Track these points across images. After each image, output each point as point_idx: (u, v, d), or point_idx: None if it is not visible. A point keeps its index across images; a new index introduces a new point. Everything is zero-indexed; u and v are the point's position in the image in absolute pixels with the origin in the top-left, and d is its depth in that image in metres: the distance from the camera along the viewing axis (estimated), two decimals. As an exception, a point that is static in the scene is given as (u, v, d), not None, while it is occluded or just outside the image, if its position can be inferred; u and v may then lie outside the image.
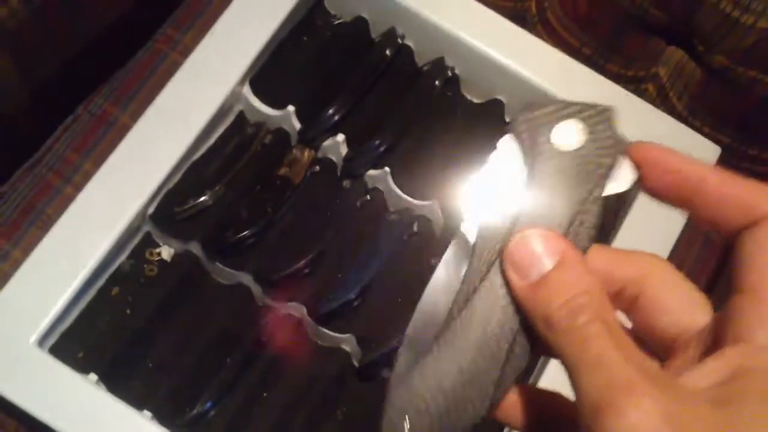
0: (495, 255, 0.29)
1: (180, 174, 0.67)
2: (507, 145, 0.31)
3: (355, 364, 0.65)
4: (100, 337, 0.62)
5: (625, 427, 0.23)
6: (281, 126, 0.70)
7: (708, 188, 0.29)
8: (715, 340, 0.27)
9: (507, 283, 0.29)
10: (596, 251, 0.30)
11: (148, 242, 0.67)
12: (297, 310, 0.64)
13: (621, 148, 0.30)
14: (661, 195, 0.30)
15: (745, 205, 0.28)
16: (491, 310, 0.29)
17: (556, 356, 0.27)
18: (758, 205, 0.28)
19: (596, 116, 0.31)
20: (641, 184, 0.30)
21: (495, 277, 0.29)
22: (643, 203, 0.65)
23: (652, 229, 0.64)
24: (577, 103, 0.31)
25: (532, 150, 0.30)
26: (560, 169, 0.30)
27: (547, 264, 0.28)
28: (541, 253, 0.28)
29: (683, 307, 0.29)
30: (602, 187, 0.30)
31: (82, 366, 0.59)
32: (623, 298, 0.30)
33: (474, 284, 0.29)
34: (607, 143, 0.30)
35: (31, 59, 0.70)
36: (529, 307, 0.28)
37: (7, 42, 0.66)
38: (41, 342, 0.59)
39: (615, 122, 0.31)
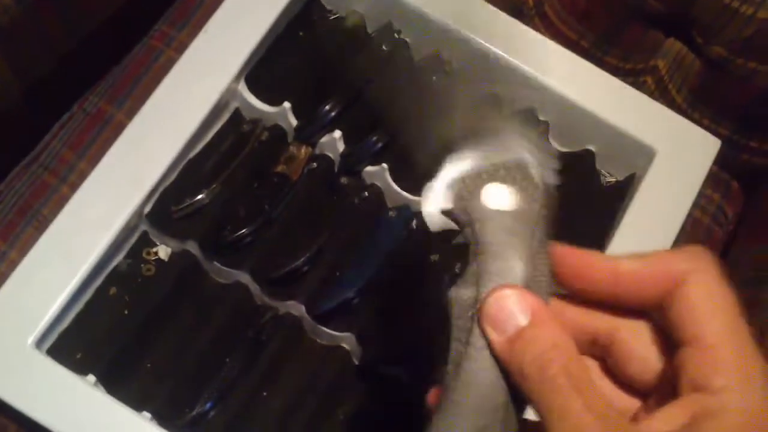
0: (470, 322, 0.31)
1: (176, 172, 0.66)
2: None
3: (356, 362, 0.65)
4: (98, 337, 0.62)
5: None
6: (278, 123, 0.70)
7: (624, 276, 0.31)
8: (671, 388, 0.30)
9: (487, 342, 0.31)
10: (570, 304, 0.33)
11: (145, 242, 0.66)
12: (296, 308, 0.64)
13: (543, 188, 0.33)
14: (587, 294, 0.32)
15: (659, 275, 0.30)
16: (479, 372, 0.31)
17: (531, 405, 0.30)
18: (673, 270, 0.30)
19: (517, 172, 0.33)
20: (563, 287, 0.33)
21: (475, 341, 0.31)
22: (641, 203, 0.65)
23: (651, 228, 0.64)
24: (493, 164, 0.33)
25: (467, 211, 0.33)
26: (502, 227, 0.32)
27: (522, 320, 0.30)
28: (515, 309, 0.30)
29: (652, 354, 0.31)
30: (543, 229, 0.32)
31: (80, 367, 0.59)
32: (597, 346, 0.33)
33: (458, 350, 0.32)
34: (534, 193, 0.32)
35: (24, 57, 0.70)
36: (506, 361, 0.30)
37: None
38: (39, 343, 0.58)
39: (531, 169, 0.33)
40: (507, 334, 0.30)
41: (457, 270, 0.67)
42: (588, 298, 0.32)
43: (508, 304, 0.31)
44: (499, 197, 0.32)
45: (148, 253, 0.66)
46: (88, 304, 0.62)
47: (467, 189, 0.33)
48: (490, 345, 0.31)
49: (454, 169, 0.34)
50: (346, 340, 0.64)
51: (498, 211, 0.32)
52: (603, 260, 0.32)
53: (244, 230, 0.65)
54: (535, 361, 0.29)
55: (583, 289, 0.32)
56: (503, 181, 0.33)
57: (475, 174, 0.33)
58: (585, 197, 0.70)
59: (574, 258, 0.32)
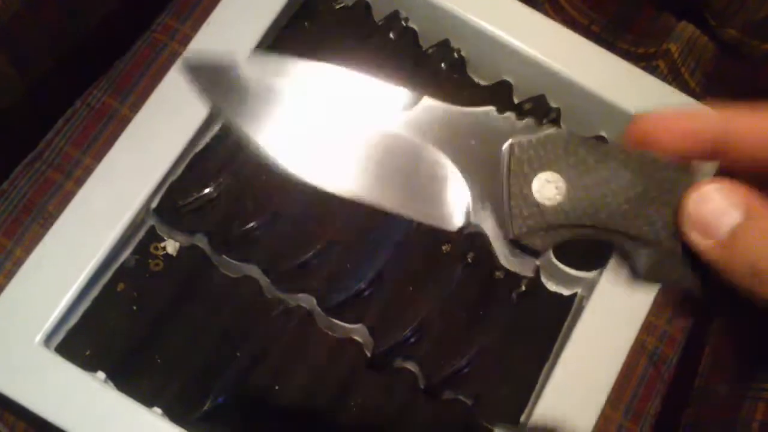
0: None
1: (183, 166, 0.65)
2: None
3: (368, 354, 0.64)
4: (107, 334, 0.61)
5: None
6: (285, 114, 0.69)
7: (737, 133, 0.28)
8: None
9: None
10: None
11: (153, 236, 0.65)
12: (307, 301, 0.63)
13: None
14: (693, 157, 0.30)
15: None
16: None
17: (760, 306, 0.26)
18: None
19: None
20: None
21: None
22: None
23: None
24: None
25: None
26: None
27: (736, 216, 0.27)
28: (726, 206, 0.27)
29: None
30: None
31: (89, 364, 0.58)
32: None
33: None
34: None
35: (26, 52, 0.69)
36: (725, 265, 0.27)
37: (1, 35, 0.64)
38: (47, 341, 0.57)
39: None
40: (719, 236, 0.27)
41: (469, 259, 0.66)
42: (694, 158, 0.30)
43: (717, 200, 0.27)
44: None
45: (156, 248, 0.65)
46: (95, 301, 0.61)
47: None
48: (696, 252, 0.28)
49: None
50: (358, 332, 0.63)
51: None
52: (700, 120, 0.29)
53: (252, 223, 0.64)
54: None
55: (687, 155, 0.30)
56: None
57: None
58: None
59: (666, 122, 0.31)
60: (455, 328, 0.64)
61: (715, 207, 0.27)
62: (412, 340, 0.63)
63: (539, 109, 0.69)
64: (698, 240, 0.27)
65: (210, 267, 0.65)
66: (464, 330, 0.64)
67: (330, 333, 0.64)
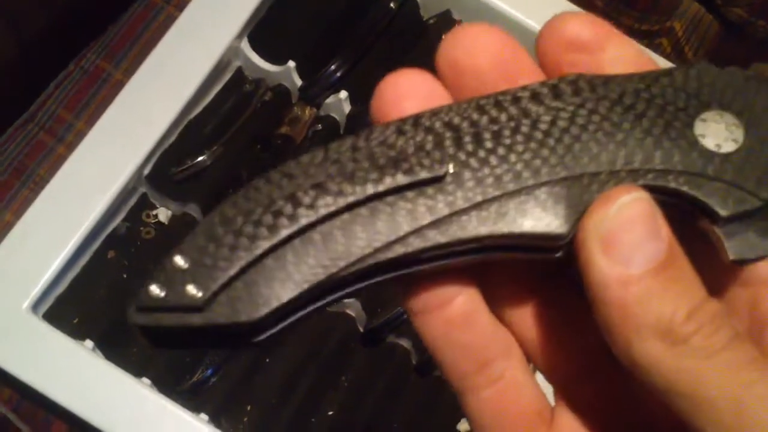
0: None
1: (176, 133, 0.64)
2: None
3: (360, 329, 0.63)
4: (96, 302, 0.60)
5: None
6: (281, 83, 0.67)
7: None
8: None
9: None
10: None
11: (145, 204, 0.64)
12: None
13: None
14: None
15: None
16: None
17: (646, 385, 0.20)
18: None
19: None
20: None
21: None
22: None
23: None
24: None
25: None
26: None
27: (660, 250, 0.20)
28: (646, 233, 0.20)
29: None
30: None
31: (77, 332, 0.57)
32: None
33: None
34: None
35: (19, 13, 0.67)
36: (622, 312, 0.20)
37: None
38: (35, 307, 0.56)
39: None
40: (631, 268, 0.20)
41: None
42: None
43: (638, 221, 0.20)
44: None
45: (148, 216, 0.64)
46: (85, 268, 0.61)
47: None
48: (589, 274, 0.21)
49: None
50: (352, 306, 0.63)
51: None
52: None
53: (246, 193, 0.63)
54: (692, 319, 0.19)
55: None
56: None
57: None
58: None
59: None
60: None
61: (638, 230, 0.20)
62: (405, 316, 0.62)
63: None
64: (603, 264, 0.20)
65: (202, 236, 0.64)
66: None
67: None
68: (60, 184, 0.59)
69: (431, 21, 0.70)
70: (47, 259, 0.57)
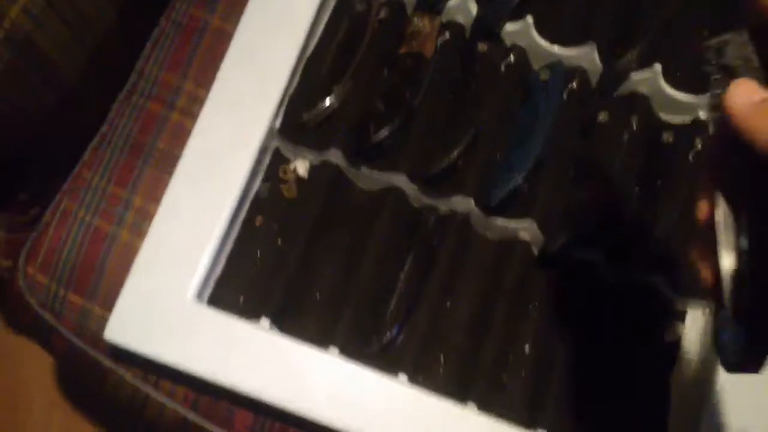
0: None
1: (297, 77, 0.58)
2: None
3: (535, 252, 0.57)
4: (256, 275, 0.56)
5: None
6: (394, -6, 0.60)
7: None
8: None
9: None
10: None
11: (279, 159, 0.59)
12: (462, 203, 0.57)
13: None
14: None
15: None
16: None
17: None
18: None
19: None
20: None
21: None
22: None
23: None
24: None
25: None
26: None
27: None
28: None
29: None
30: None
31: (247, 311, 0.53)
32: None
33: None
34: None
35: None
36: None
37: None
38: (199, 296, 0.52)
39: None
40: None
41: (634, 126, 0.58)
42: None
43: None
44: None
45: (285, 172, 0.59)
46: (237, 242, 0.56)
47: None
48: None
49: None
50: (526, 229, 0.57)
51: None
52: None
53: (388, 126, 0.56)
54: None
55: None
56: None
57: None
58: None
59: None
60: (629, 205, 0.57)
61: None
62: (591, 227, 0.56)
63: None
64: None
65: (346, 184, 0.58)
66: (638, 206, 0.57)
67: (490, 236, 0.58)
68: (191, 157, 0.55)
69: None
70: (199, 242, 0.53)
